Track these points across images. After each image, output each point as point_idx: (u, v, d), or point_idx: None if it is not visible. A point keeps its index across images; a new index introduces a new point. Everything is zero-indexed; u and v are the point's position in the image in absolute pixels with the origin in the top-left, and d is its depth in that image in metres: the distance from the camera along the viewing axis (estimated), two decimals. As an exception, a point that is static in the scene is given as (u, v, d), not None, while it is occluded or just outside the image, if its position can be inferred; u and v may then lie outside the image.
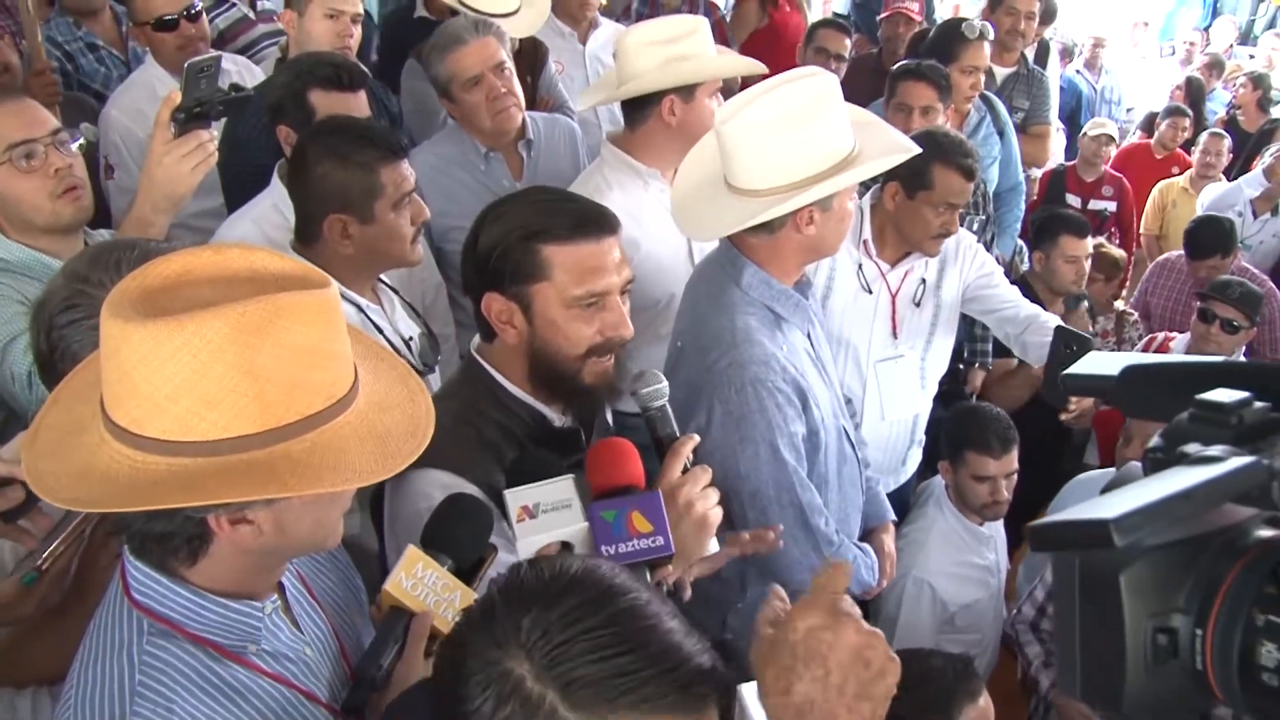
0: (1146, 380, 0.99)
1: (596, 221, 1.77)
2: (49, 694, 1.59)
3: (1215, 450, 0.76)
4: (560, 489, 1.58)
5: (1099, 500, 0.71)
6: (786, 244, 2.21)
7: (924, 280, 3.12)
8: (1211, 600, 0.72)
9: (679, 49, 2.83)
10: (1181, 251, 5.14)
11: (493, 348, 1.86)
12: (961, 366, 3.98)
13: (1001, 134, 4.45)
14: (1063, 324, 2.77)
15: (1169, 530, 0.72)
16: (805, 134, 2.10)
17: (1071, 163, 6.42)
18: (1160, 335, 4.69)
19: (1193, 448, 0.77)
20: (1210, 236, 4.80)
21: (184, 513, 1.19)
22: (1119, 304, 4.87)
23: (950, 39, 4.29)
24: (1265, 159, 5.55)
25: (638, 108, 2.88)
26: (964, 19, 4.60)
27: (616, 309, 1.78)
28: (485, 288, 1.78)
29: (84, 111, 3.57)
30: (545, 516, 1.55)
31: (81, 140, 2.35)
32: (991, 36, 4.38)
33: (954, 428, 3.34)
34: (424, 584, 1.43)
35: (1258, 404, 0.82)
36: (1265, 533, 0.75)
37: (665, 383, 1.75)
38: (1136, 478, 0.97)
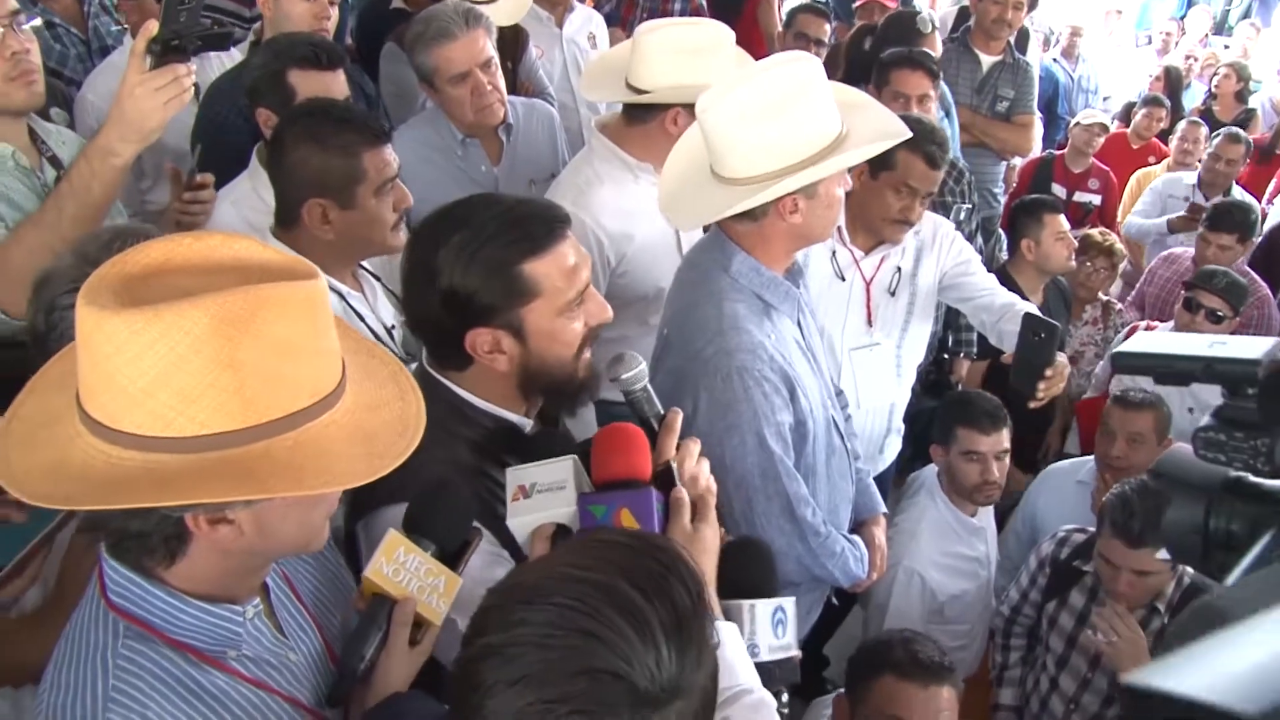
0: None
1: (557, 218, 1.69)
2: (32, 694, 1.53)
3: None
4: (558, 470, 1.51)
5: (1210, 654, 0.54)
6: (773, 231, 2.17)
7: (899, 269, 3.07)
8: None
9: (700, 64, 2.74)
10: (1185, 248, 5.13)
11: (463, 374, 1.74)
12: (946, 356, 3.97)
13: (947, 114, 4.41)
14: (1031, 311, 2.74)
15: None
16: (786, 121, 2.06)
17: (1060, 151, 6.40)
18: (1142, 324, 4.70)
19: None
20: (1238, 215, 4.81)
21: (160, 511, 1.14)
22: (1101, 295, 4.89)
23: (903, 33, 4.22)
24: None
25: (641, 107, 2.83)
26: (915, 11, 4.57)
27: (595, 296, 1.74)
28: (466, 326, 1.66)
29: (54, 97, 3.47)
30: (538, 497, 1.48)
31: (37, 21, 2.24)
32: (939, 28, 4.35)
33: (946, 410, 3.35)
34: (406, 569, 1.37)
35: None
36: None
37: (644, 363, 1.68)
38: (1186, 461, 0.87)
